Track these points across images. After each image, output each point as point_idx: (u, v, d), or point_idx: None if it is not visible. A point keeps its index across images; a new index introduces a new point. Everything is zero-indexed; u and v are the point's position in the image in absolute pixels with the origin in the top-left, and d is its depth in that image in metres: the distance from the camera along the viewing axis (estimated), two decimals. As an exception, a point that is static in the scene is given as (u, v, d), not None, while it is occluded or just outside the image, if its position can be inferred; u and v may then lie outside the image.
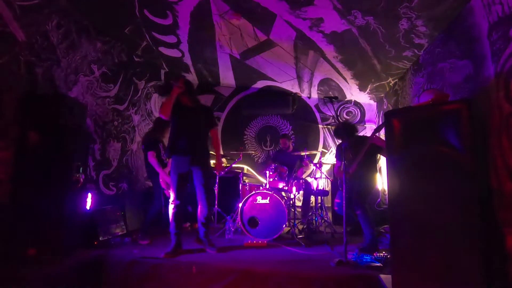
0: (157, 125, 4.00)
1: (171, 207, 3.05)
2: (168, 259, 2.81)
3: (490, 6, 2.29)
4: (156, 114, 5.24)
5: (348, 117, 6.03)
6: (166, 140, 4.36)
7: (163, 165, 3.65)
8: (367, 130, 5.85)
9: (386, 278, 2.26)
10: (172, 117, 3.07)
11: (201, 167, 3.12)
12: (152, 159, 3.56)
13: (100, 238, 3.26)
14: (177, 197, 3.04)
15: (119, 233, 3.58)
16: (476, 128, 2.02)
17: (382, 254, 2.75)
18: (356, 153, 3.21)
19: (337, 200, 4.46)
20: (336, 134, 3.93)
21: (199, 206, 3.18)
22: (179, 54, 4.61)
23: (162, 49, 4.45)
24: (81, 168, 3.05)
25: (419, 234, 2.04)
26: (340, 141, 3.88)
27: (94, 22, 3.68)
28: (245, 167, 6.05)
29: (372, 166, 3.45)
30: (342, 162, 2.97)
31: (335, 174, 4.16)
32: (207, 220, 3.18)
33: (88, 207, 3.32)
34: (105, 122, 4.08)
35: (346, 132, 3.46)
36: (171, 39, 4.10)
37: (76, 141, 3.02)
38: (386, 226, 3.65)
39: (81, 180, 3.05)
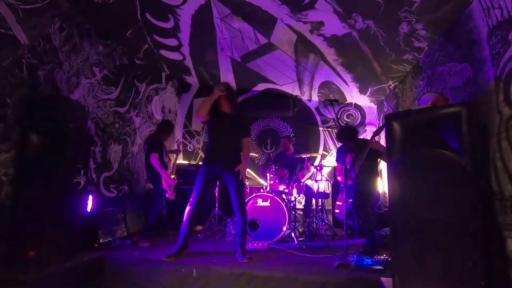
0: (161, 127, 4.01)
1: (188, 208, 3.01)
2: (169, 262, 2.79)
3: (489, 10, 2.30)
4: (157, 117, 5.25)
5: (348, 120, 6.03)
6: (168, 143, 4.38)
7: (165, 167, 3.66)
8: (367, 133, 5.85)
9: (387, 281, 2.25)
10: (210, 122, 3.03)
11: (232, 171, 3.03)
12: (155, 160, 3.55)
13: (100, 240, 3.26)
14: (196, 201, 3.00)
15: (120, 235, 3.58)
16: (476, 131, 2.03)
17: (383, 257, 2.74)
18: (357, 156, 3.21)
19: (338, 203, 4.47)
20: (338, 138, 3.93)
21: (235, 217, 3.08)
22: (180, 57, 4.63)
23: (163, 52, 4.47)
24: (82, 170, 3.06)
25: (420, 237, 2.05)
26: (341, 144, 3.89)
27: (96, 25, 3.71)
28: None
29: (373, 169, 3.45)
30: (343, 165, 2.97)
31: (336, 177, 4.16)
32: (243, 232, 3.04)
33: (89, 209, 3.33)
34: (106, 125, 4.09)
35: (347, 135, 3.47)
36: (172, 42, 4.12)
37: (77, 143, 3.03)
38: (386, 229, 3.65)
39: (82, 182, 3.05)
